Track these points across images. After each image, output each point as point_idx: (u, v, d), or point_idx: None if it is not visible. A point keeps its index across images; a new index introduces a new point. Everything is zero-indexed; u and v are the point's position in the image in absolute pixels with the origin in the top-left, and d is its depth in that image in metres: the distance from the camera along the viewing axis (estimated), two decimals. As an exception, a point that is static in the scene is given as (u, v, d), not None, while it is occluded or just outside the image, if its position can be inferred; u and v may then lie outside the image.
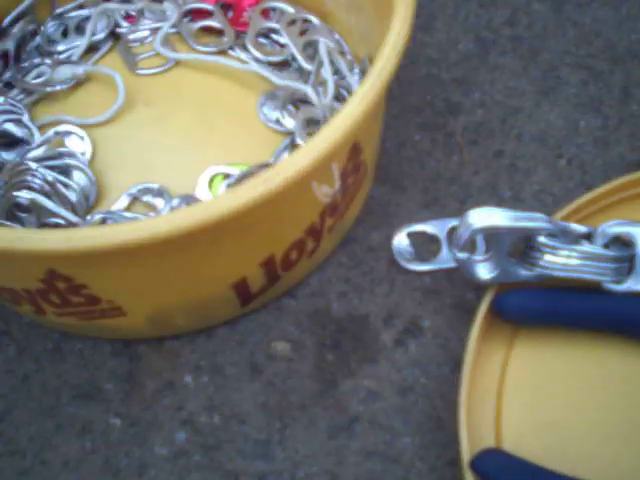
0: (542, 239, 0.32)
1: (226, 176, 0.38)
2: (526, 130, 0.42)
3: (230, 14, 0.46)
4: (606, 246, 0.33)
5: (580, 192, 0.38)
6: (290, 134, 0.41)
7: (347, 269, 0.37)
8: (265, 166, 0.38)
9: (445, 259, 0.37)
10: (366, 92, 0.30)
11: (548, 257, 0.32)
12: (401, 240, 0.38)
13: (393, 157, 0.42)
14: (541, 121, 0.42)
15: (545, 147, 0.41)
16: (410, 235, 0.38)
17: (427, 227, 0.38)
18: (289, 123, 0.41)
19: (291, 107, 0.41)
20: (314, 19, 0.45)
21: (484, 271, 0.33)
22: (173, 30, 0.45)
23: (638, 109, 0.42)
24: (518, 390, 0.33)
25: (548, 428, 0.31)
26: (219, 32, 0.45)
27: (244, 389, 0.34)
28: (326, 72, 0.41)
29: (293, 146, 0.40)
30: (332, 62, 0.42)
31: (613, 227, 0.33)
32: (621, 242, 0.33)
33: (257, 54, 0.43)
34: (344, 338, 0.35)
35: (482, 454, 0.29)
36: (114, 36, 0.45)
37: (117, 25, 0.45)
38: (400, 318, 0.36)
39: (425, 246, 0.38)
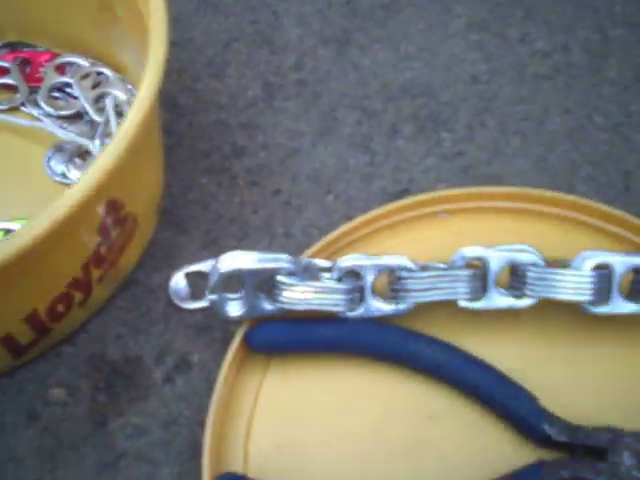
0: (281, 277, 0.36)
1: (7, 232, 0.40)
2: (302, 170, 0.46)
3: (28, 70, 0.48)
4: (340, 279, 0.37)
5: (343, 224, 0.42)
6: (77, 186, 0.43)
7: (126, 312, 0.40)
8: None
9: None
10: (107, 156, 0.33)
11: (286, 293, 0.36)
12: (178, 280, 0.41)
13: (179, 201, 0.45)
14: (316, 161, 0.46)
15: (317, 185, 0.45)
16: (188, 275, 0.41)
17: (203, 266, 0.41)
18: (75, 176, 0.43)
19: (78, 160, 0.44)
20: (108, 72, 0.48)
21: (234, 308, 0.37)
22: (-31, 89, 0.47)
23: (403, 143, 0.47)
24: (268, 415, 0.36)
25: (289, 449, 0.35)
26: (16, 88, 0.47)
27: (21, 435, 0.37)
28: (113, 125, 0.44)
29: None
30: (122, 114, 0.45)
31: (345, 262, 0.37)
32: (353, 275, 0.37)
33: (48, 109, 0.46)
34: (117, 379, 0.38)
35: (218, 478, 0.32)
36: None
37: None
38: (172, 356, 0.39)
39: (202, 285, 0.40)
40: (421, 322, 0.38)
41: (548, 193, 0.41)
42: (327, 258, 0.39)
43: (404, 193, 0.45)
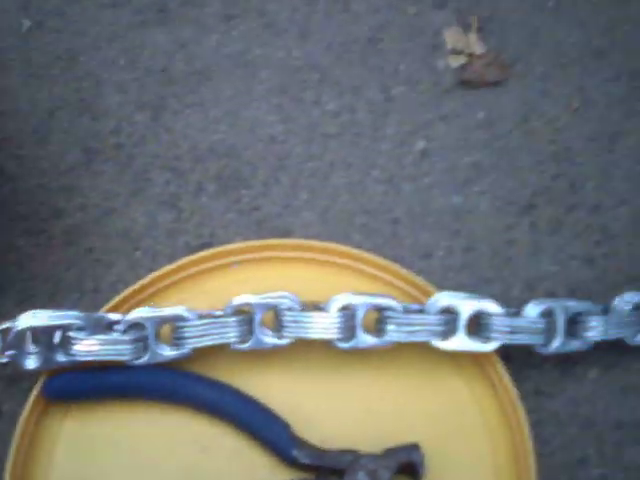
0: (71, 333, 0.41)
1: None
2: (114, 228, 0.51)
3: None
4: (125, 331, 0.42)
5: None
6: None
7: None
8: None
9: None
10: None
11: (76, 347, 0.41)
12: (-8, 338, 0.45)
13: (-3, 264, 0.49)
14: (128, 219, 0.51)
15: (127, 242, 0.50)
16: (1, 332, 0.45)
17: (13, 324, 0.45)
18: None
19: None
20: None
21: (31, 362, 0.41)
22: None
23: (207, 201, 0.52)
24: (66, 457, 0.41)
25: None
26: None
27: None
28: None
29: None
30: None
31: (130, 315, 0.42)
32: (139, 326, 0.42)
33: None
34: None
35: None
36: None
37: None
38: (-18, 407, 0.43)
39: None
40: (205, 364, 0.43)
41: (318, 243, 0.48)
42: (129, 309, 0.44)
43: (205, 246, 0.50)
